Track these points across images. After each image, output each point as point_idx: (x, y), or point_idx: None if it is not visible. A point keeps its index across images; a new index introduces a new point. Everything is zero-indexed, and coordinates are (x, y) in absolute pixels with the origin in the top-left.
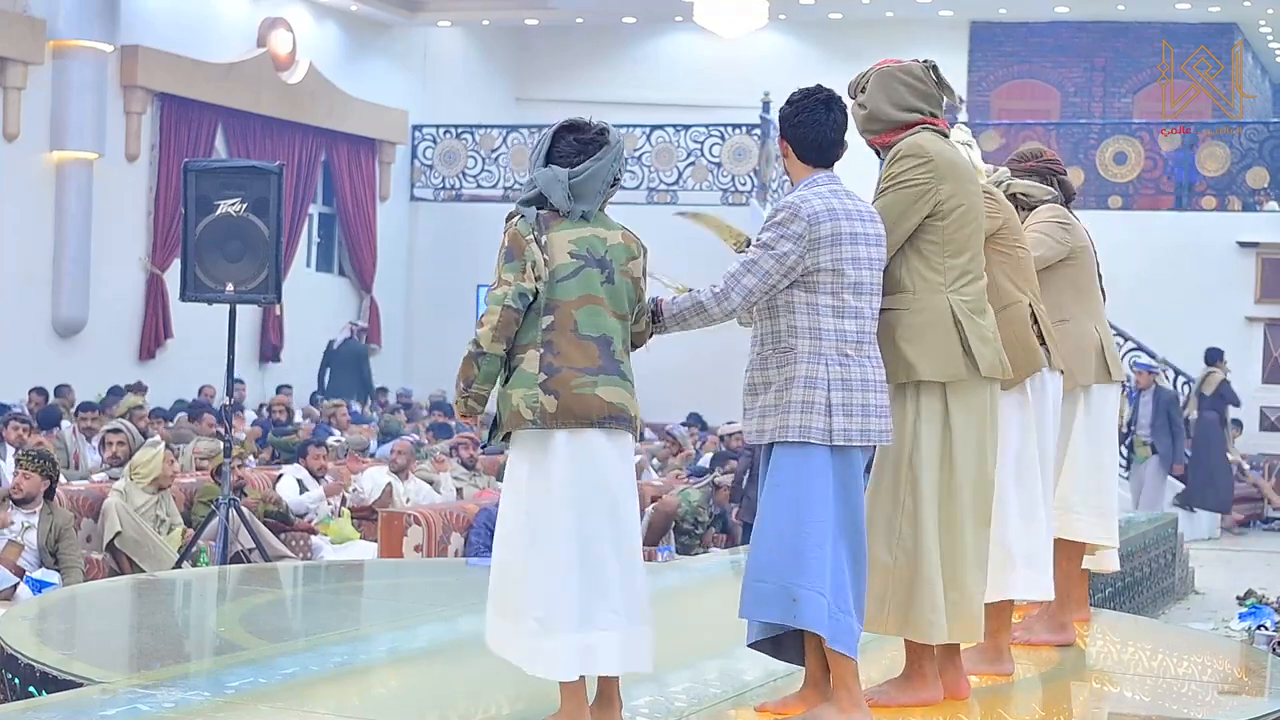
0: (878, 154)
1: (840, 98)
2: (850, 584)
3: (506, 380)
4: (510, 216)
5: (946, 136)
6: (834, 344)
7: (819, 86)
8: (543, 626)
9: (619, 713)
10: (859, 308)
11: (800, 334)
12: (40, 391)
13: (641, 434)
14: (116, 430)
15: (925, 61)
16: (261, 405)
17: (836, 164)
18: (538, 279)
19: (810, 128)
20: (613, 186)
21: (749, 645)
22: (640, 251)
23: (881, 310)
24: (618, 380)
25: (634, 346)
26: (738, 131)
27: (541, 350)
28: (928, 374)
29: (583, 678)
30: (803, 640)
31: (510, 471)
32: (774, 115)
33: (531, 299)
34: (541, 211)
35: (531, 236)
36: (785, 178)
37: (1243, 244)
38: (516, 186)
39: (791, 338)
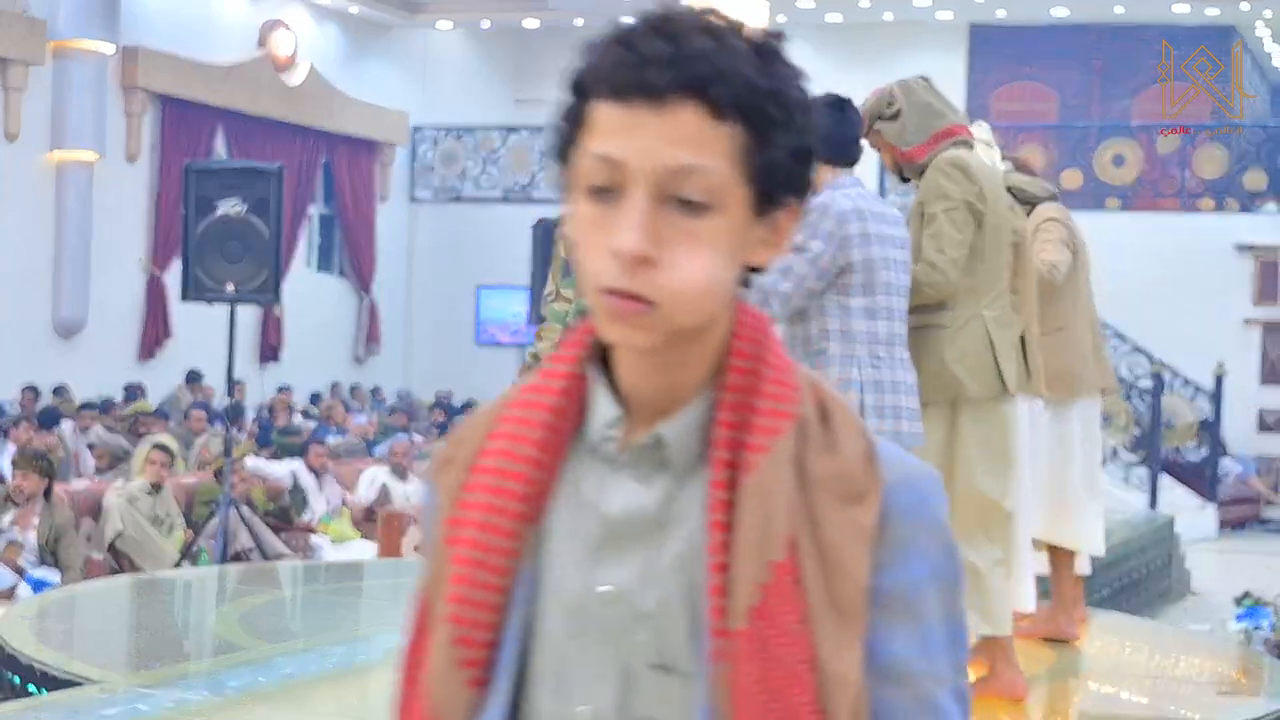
0: (901, 176)
1: (851, 100)
2: None
3: None
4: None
5: (971, 146)
6: (865, 345)
7: (829, 93)
8: None
9: None
10: (890, 308)
11: (832, 337)
12: (30, 389)
13: None
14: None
15: (919, 78)
16: (261, 405)
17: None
18: None
19: (827, 128)
20: None
21: None
22: None
23: (921, 325)
24: None
25: None
26: None
27: None
28: (975, 392)
29: None
30: None
31: None
32: None
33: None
34: None
35: None
36: None
37: (1240, 246)
38: (516, 188)
39: (824, 340)
